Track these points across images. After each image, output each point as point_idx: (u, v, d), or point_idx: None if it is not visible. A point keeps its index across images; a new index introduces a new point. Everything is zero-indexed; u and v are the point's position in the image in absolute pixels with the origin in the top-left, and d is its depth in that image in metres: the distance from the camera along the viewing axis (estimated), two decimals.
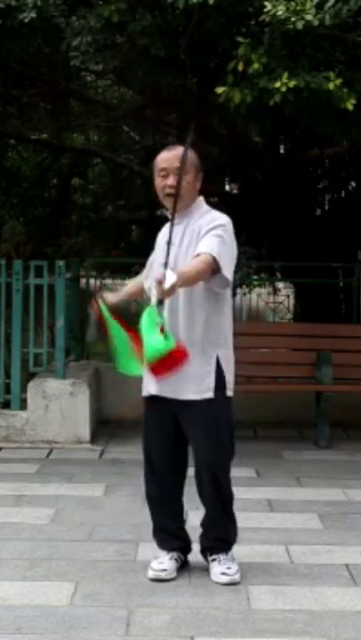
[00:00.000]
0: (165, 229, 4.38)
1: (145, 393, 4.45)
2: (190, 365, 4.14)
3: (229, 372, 4.34)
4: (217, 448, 4.30)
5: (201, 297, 4.24)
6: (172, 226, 4.21)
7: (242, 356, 7.75)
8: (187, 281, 4.05)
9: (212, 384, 4.27)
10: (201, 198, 4.41)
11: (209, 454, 4.30)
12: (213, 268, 4.14)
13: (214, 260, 4.12)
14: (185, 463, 4.49)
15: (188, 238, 4.27)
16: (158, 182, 4.36)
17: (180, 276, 3.98)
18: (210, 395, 4.27)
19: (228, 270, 4.20)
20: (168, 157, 4.34)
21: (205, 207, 4.40)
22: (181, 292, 4.15)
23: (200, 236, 4.23)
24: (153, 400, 4.38)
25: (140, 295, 4.70)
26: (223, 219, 4.30)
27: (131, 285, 4.79)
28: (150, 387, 4.37)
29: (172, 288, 3.95)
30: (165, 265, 4.11)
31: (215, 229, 4.22)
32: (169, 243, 4.18)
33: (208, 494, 4.36)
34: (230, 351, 4.38)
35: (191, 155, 4.33)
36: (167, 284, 3.93)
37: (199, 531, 4.50)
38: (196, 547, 4.51)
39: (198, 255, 4.14)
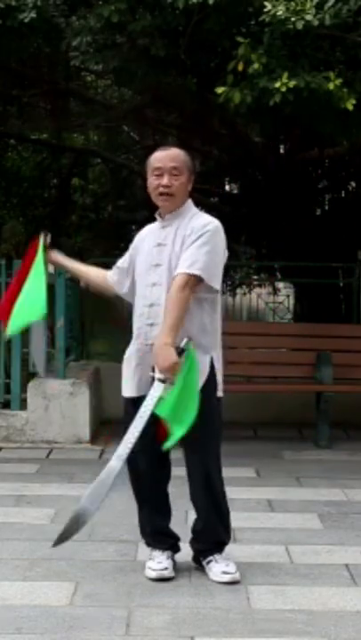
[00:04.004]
0: (150, 231, 4.39)
1: (129, 393, 4.41)
2: None
3: (220, 373, 4.34)
4: (208, 448, 4.29)
5: (193, 302, 4.21)
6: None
7: (242, 356, 7.85)
8: (174, 326, 4.09)
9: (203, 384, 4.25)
10: (190, 200, 4.39)
11: (201, 455, 4.28)
12: (197, 281, 4.15)
13: (193, 275, 4.13)
14: (169, 462, 4.46)
15: (181, 240, 4.25)
16: (152, 181, 4.35)
17: (167, 329, 4.08)
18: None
19: (215, 280, 4.22)
20: (163, 157, 4.34)
21: (195, 209, 4.39)
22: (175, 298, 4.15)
23: (189, 242, 4.22)
24: (138, 401, 4.31)
25: (96, 284, 4.66)
26: (212, 224, 4.27)
27: (93, 270, 4.70)
28: (136, 387, 4.35)
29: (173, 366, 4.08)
30: (157, 266, 4.23)
31: (201, 238, 4.20)
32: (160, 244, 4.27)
33: (201, 497, 4.33)
34: (221, 352, 4.38)
35: (186, 157, 4.35)
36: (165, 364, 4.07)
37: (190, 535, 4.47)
38: (185, 550, 4.48)
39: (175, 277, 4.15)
